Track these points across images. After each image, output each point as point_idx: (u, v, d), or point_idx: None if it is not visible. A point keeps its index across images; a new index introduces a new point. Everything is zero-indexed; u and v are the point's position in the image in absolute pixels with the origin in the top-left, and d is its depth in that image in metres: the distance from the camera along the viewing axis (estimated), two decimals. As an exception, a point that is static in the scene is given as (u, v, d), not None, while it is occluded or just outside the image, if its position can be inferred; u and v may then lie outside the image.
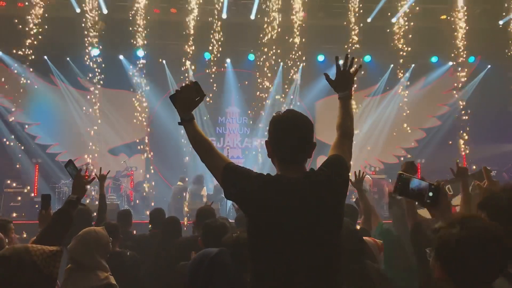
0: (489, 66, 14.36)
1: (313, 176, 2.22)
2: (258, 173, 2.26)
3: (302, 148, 2.28)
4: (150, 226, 5.68)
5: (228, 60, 14.17)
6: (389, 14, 12.70)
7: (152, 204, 12.35)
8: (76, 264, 3.13)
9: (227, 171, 2.25)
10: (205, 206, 5.45)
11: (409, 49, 12.86)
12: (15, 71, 13.26)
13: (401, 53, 12.88)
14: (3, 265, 2.01)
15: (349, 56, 2.59)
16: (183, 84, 2.45)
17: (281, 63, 14.23)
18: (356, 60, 2.62)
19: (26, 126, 13.56)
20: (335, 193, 2.23)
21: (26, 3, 12.00)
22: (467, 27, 12.73)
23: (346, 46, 12.57)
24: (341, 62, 2.59)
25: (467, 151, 13.70)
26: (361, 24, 12.74)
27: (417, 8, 12.28)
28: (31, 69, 13.24)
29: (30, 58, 12.66)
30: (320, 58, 14.27)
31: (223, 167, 2.26)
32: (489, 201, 2.19)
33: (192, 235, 4.97)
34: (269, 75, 13.75)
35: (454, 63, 14.01)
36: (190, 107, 2.42)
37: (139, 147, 14.09)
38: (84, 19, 12.26)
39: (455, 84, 14.35)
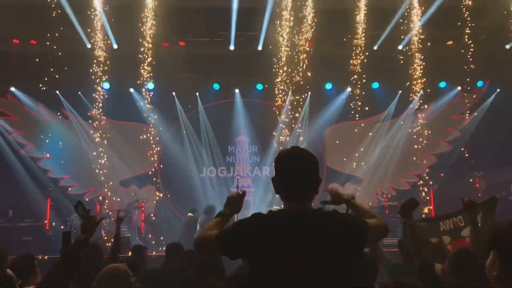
0: (498, 90, 14.32)
1: (316, 215, 2.25)
2: (249, 218, 2.27)
3: (305, 185, 2.29)
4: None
5: (237, 90, 14.31)
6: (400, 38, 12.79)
7: (162, 238, 12.37)
8: None
9: (224, 234, 2.24)
10: None
11: (417, 75, 12.90)
12: (27, 106, 13.50)
13: (411, 81, 12.94)
14: None
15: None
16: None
17: (290, 92, 14.35)
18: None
19: (38, 161, 13.69)
20: (334, 245, 2.18)
21: (38, 41, 12.29)
22: (473, 52, 12.78)
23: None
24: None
25: (480, 174, 13.58)
26: (367, 53, 12.86)
27: (423, 36, 12.36)
28: (43, 104, 13.51)
29: (42, 94, 12.97)
30: (328, 86, 14.37)
31: (218, 233, 2.26)
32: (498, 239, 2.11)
33: None
34: (277, 104, 13.86)
35: (463, 87, 14.07)
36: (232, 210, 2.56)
37: (148, 180, 14.14)
38: (94, 54, 12.51)
39: (464, 108, 14.38)
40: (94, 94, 13.26)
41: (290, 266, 2.11)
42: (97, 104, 13.49)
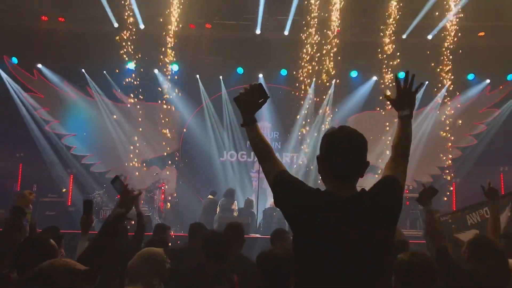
0: (528, 84, 13.99)
1: (365, 197, 2.17)
2: (310, 186, 2.23)
3: (356, 166, 2.22)
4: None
5: (261, 75, 14.22)
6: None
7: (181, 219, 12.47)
8: (133, 282, 3.18)
9: (279, 179, 2.25)
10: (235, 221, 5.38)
11: (448, 67, 12.65)
12: (53, 83, 13.67)
13: (438, 70, 12.69)
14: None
15: (410, 73, 2.46)
16: (247, 86, 2.42)
17: (314, 79, 14.21)
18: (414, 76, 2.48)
19: (62, 137, 13.88)
20: (387, 215, 2.18)
21: (66, 18, 12.37)
22: (504, 44, 12.47)
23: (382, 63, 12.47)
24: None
25: (506, 169, 13.34)
26: (395, 41, 12.64)
27: (454, 26, 12.06)
28: (68, 82, 13.66)
29: (68, 72, 13.10)
30: (353, 74, 14.19)
31: (276, 173, 2.26)
32: None
33: None
34: (302, 91, 13.75)
35: (492, 80, 13.77)
36: (254, 110, 2.41)
37: (170, 161, 14.24)
38: (121, 34, 12.54)
39: (492, 102, 14.09)
40: (120, 73, 13.31)
41: (338, 249, 2.08)
42: (122, 83, 13.59)
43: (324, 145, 2.24)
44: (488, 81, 14.08)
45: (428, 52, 12.63)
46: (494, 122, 14.16)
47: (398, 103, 2.48)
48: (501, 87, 14.11)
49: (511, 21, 11.90)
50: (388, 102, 2.58)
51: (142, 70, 13.60)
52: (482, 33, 12.57)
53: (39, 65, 13.65)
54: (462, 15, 11.36)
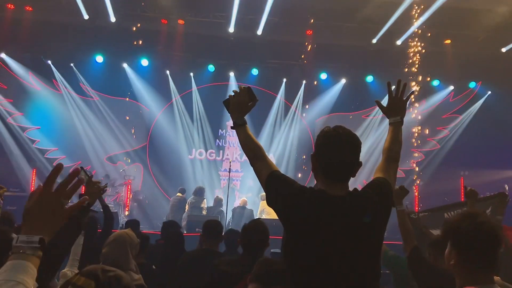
0: (489, 92, 14.52)
1: (357, 197, 2.20)
2: (302, 185, 2.25)
3: (350, 166, 2.24)
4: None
5: (232, 74, 14.22)
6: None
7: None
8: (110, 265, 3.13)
9: (272, 178, 2.27)
10: (212, 219, 5.39)
11: (415, 72, 12.98)
12: (17, 74, 13.23)
13: (406, 77, 13.02)
14: None
15: (401, 82, 2.60)
16: (237, 89, 2.50)
17: (284, 80, 14.34)
18: (405, 84, 2.63)
19: (25, 130, 13.47)
20: (379, 216, 2.21)
21: (34, 7, 11.99)
22: (469, 53, 12.91)
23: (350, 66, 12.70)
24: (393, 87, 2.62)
25: (466, 173, 13.81)
26: (365, 45, 12.91)
27: (421, 33, 12.37)
28: (33, 73, 13.25)
29: (34, 63, 12.72)
30: (323, 76, 14.36)
31: (268, 173, 2.28)
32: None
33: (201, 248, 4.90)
34: (272, 91, 13.85)
35: (456, 87, 14.26)
36: (243, 112, 2.49)
37: (137, 157, 14.05)
38: (90, 26, 12.26)
39: (455, 108, 14.58)
40: (88, 67, 13.06)
41: (330, 249, 2.10)
42: (89, 77, 13.31)
43: (319, 144, 2.26)
44: (452, 87, 14.56)
45: (398, 57, 12.96)
46: (456, 127, 14.64)
47: (390, 110, 2.62)
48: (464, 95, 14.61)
49: (475, 31, 12.33)
50: (380, 110, 2.70)
51: (111, 63, 13.38)
52: (448, 41, 12.96)
53: (3, 55, 13.17)
54: (430, 22, 11.64)
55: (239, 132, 2.45)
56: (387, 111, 2.63)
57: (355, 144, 2.25)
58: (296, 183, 2.26)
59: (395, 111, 2.60)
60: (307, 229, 2.12)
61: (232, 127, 2.50)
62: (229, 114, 2.49)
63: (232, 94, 2.50)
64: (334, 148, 2.21)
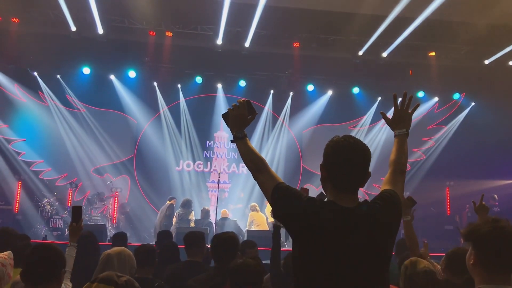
0: (472, 103, 14.79)
1: (367, 208, 2.18)
2: (310, 196, 2.24)
3: (360, 177, 2.22)
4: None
5: (219, 85, 14.28)
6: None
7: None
8: None
9: (277, 191, 2.23)
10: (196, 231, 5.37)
11: (398, 83, 13.16)
12: (3, 86, 13.11)
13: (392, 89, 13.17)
14: None
15: (407, 94, 2.59)
16: (236, 103, 2.49)
17: (272, 91, 14.45)
18: (412, 97, 2.61)
19: (11, 142, 13.32)
20: (388, 227, 2.20)
21: (21, 19, 11.92)
22: (453, 65, 13.15)
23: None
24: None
25: (451, 184, 14.01)
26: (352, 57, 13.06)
27: (407, 45, 12.56)
28: (19, 85, 13.15)
29: (20, 74, 12.62)
30: (310, 88, 14.48)
31: (273, 186, 2.25)
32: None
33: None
34: (259, 102, 13.91)
35: (440, 98, 14.50)
36: (243, 125, 2.48)
37: (124, 169, 13.97)
38: (78, 38, 12.21)
39: (439, 119, 14.80)
40: (75, 78, 13.01)
41: (339, 259, 2.09)
42: (76, 89, 13.26)
43: (329, 154, 2.23)
44: (436, 99, 14.79)
45: (384, 69, 13.15)
46: (441, 138, 14.85)
47: (395, 122, 2.61)
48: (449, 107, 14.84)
49: (459, 43, 12.57)
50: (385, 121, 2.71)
51: (98, 75, 13.35)
52: (432, 53, 13.18)
53: (-12, 67, 13.06)
54: (415, 34, 11.83)
55: (239, 146, 2.43)
56: (392, 123, 2.62)
57: (366, 154, 2.23)
58: (303, 194, 2.23)
59: (400, 123, 2.60)
60: (318, 241, 2.10)
61: (232, 141, 2.48)
62: (229, 128, 2.48)
63: (231, 108, 2.48)
64: (343, 159, 2.19)
